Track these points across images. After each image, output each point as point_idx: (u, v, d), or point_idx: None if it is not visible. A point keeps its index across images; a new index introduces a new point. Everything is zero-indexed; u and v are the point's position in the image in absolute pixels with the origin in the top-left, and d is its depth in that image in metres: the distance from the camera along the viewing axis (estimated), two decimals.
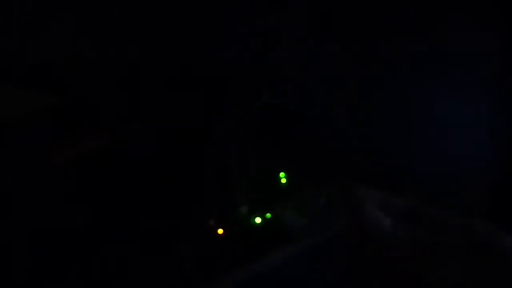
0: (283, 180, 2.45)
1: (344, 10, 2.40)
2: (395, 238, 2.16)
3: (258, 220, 2.29)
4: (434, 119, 2.32)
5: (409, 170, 2.37)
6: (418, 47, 2.27)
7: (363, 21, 2.39)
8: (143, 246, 2.25)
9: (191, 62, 2.57)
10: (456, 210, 2.16)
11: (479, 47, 2.15)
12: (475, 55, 2.16)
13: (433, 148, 2.32)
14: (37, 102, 2.26)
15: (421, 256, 2.08)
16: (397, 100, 2.37)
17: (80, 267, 2.06)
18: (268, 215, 2.33)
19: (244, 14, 2.49)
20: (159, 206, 2.37)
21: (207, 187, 2.37)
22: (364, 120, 2.47)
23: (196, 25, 2.56)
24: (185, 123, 2.58)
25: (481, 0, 2.12)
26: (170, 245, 2.27)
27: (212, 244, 2.28)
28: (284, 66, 2.53)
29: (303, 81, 2.53)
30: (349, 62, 2.44)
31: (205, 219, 2.28)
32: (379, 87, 2.41)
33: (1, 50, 2.41)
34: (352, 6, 2.38)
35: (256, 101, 2.45)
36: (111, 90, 2.53)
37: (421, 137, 2.35)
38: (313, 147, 2.53)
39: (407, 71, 2.32)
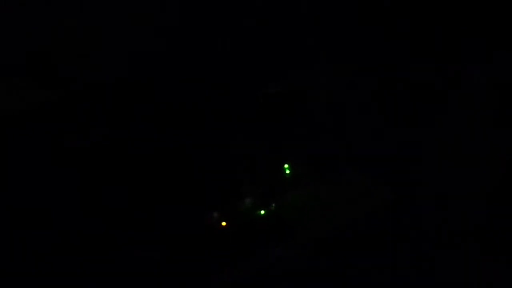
0: (288, 172, 2.40)
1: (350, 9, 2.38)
2: None
3: (262, 212, 2.28)
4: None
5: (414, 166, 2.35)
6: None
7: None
8: (144, 239, 2.20)
9: (195, 53, 2.53)
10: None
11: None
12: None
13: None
14: (39, 96, 2.28)
15: None
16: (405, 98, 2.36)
17: (79, 258, 2.05)
18: (273, 207, 2.30)
19: (253, 10, 2.47)
20: (161, 198, 2.30)
21: (211, 179, 2.33)
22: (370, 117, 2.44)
23: (202, 17, 2.53)
24: (189, 112, 2.50)
25: None
26: (172, 238, 2.22)
27: (215, 236, 2.25)
28: (291, 57, 2.48)
29: (309, 71, 2.49)
30: (358, 63, 2.41)
31: (209, 212, 2.26)
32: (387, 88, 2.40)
33: (4, 45, 2.39)
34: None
35: (261, 90, 2.40)
36: (115, 84, 2.47)
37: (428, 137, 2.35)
38: (318, 139, 2.47)
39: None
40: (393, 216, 2.29)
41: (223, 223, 2.24)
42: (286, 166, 2.38)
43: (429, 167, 2.29)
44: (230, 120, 2.40)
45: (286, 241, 2.23)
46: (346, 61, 2.37)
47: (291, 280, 2.17)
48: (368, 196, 2.35)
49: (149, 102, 2.42)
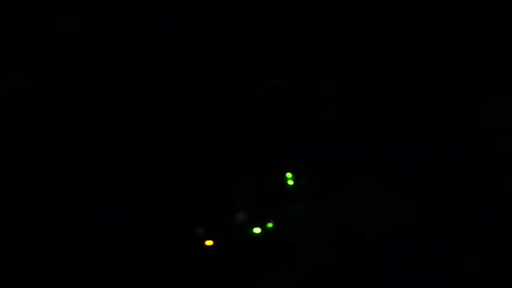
0: (290, 182, 2.17)
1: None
2: None
3: (257, 230, 2.07)
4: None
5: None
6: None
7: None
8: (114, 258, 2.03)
9: (194, 52, 2.45)
10: None
11: None
12: None
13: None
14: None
15: None
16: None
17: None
18: (270, 224, 2.09)
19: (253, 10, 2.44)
20: (136, 207, 2.10)
21: (196, 186, 2.12)
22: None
23: (202, 17, 2.48)
24: (179, 112, 2.33)
25: None
26: (147, 256, 2.02)
27: (198, 257, 2.03)
28: (290, 57, 2.38)
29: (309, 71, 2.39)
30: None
31: (191, 227, 2.06)
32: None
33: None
34: None
35: (258, 84, 2.24)
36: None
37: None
38: (328, 145, 2.26)
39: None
40: (416, 236, 2.10)
41: (208, 242, 2.04)
42: (288, 175, 2.16)
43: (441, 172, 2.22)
44: (225, 119, 2.24)
45: (286, 267, 2.03)
46: (346, 61, 2.34)
47: None
48: (387, 214, 2.12)
49: (147, 102, 2.35)
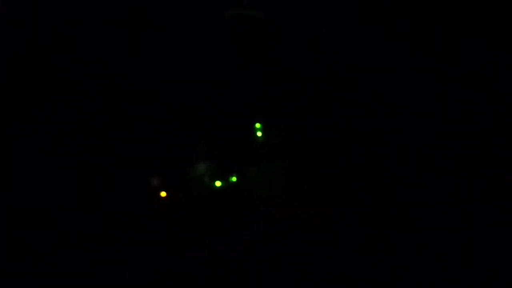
0: (259, 134, 2.05)
1: None
2: None
3: (218, 183, 1.94)
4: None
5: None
6: None
7: None
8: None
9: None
10: None
11: None
12: None
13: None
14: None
15: None
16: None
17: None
18: (233, 178, 1.96)
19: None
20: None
21: (153, 131, 2.00)
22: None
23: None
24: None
25: None
26: (95, 206, 1.90)
27: (151, 210, 1.89)
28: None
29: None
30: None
31: (145, 176, 1.92)
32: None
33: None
34: None
35: (226, 11, 2.11)
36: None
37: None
38: (306, 96, 2.15)
39: None
40: (390, 202, 2.00)
41: (163, 193, 1.90)
42: (257, 125, 2.05)
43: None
44: (189, 58, 2.12)
45: (247, 226, 1.88)
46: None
47: (248, 279, 1.84)
48: (363, 175, 1.99)
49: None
